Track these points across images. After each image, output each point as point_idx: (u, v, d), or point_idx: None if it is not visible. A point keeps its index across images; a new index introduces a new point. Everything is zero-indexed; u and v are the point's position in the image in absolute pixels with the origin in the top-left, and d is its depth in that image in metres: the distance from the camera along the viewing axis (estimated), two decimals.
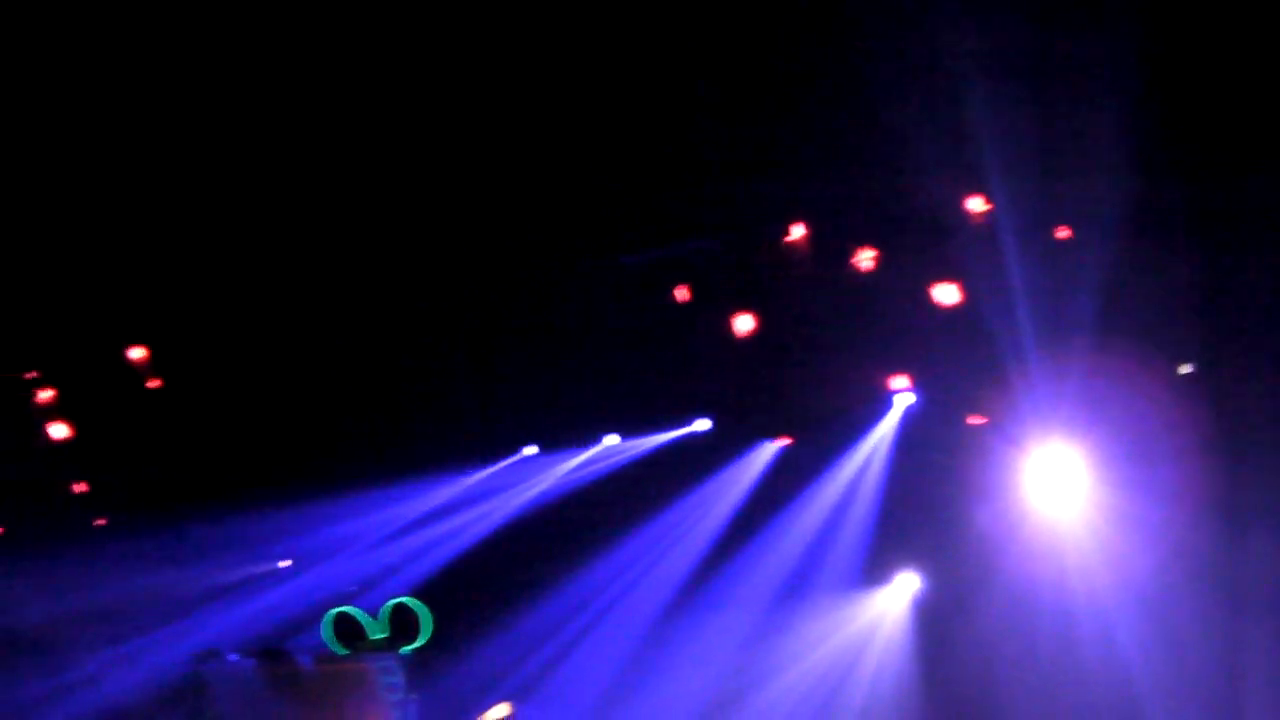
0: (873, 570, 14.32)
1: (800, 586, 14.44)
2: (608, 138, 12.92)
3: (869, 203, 12.99)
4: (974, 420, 13.56)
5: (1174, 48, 11.45)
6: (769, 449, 14.72)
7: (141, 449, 15.53)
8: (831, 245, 13.49)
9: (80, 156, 13.68)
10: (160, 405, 15.50)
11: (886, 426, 14.13)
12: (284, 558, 16.02)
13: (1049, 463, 13.37)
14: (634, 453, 15.05)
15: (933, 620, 14.09)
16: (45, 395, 15.88)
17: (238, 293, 14.58)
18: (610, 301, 14.17)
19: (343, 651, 14.83)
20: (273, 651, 14.71)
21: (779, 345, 13.88)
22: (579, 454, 15.27)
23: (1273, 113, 11.78)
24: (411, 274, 14.15)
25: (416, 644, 14.70)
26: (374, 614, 14.84)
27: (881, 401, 14.08)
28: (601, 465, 15.18)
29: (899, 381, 13.97)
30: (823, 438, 14.37)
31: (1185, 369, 12.93)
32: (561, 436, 15.18)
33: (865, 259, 13.45)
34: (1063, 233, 12.62)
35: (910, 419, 14.05)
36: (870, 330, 13.46)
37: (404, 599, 14.88)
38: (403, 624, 14.77)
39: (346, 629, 14.88)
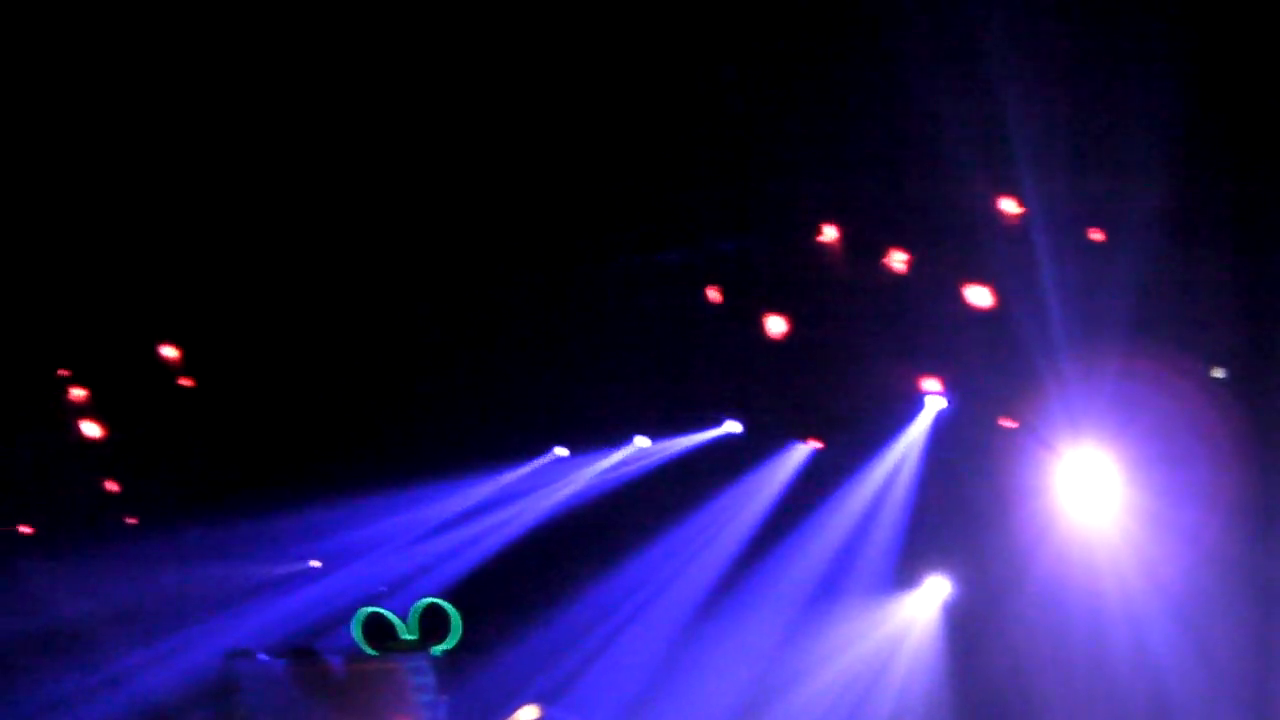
0: (903, 574, 14.29)
1: (830, 590, 14.42)
2: (641, 137, 12.92)
3: (902, 204, 12.95)
4: (1006, 423, 13.50)
5: (1210, 46, 11.38)
6: (800, 451, 14.71)
7: (174, 448, 15.59)
8: (864, 246, 13.45)
9: (116, 158, 13.75)
10: (193, 404, 15.56)
11: (918, 429, 14.11)
12: (315, 557, 16.07)
13: (1081, 466, 13.29)
14: (664, 455, 15.06)
15: (963, 624, 14.04)
16: (78, 394, 15.96)
17: (271, 291, 14.62)
18: (641, 302, 14.17)
19: (373, 652, 14.85)
20: (303, 651, 14.74)
21: (810, 347, 13.84)
22: (609, 455, 15.29)
23: None
24: (445, 273, 14.17)
25: (447, 645, 14.72)
26: (404, 614, 14.87)
27: (913, 404, 14.05)
28: (632, 467, 15.20)
29: (931, 384, 13.93)
30: (854, 440, 14.35)
31: (1219, 372, 12.85)
32: (592, 438, 15.20)
33: (898, 260, 13.41)
34: (1096, 234, 12.56)
35: (942, 422, 14.02)
36: (902, 332, 13.42)
37: (434, 599, 14.90)
38: (433, 624, 14.80)
39: (377, 629, 14.91)
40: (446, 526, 15.68)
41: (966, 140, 12.12)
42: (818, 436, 14.62)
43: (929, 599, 14.26)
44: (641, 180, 13.15)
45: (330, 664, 14.57)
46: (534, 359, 14.52)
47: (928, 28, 11.76)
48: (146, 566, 15.56)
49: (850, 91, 12.36)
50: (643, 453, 15.22)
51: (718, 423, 14.82)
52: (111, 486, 16.03)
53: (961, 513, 13.77)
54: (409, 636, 14.85)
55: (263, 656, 14.80)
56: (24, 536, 16.01)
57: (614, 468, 15.27)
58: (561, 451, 15.50)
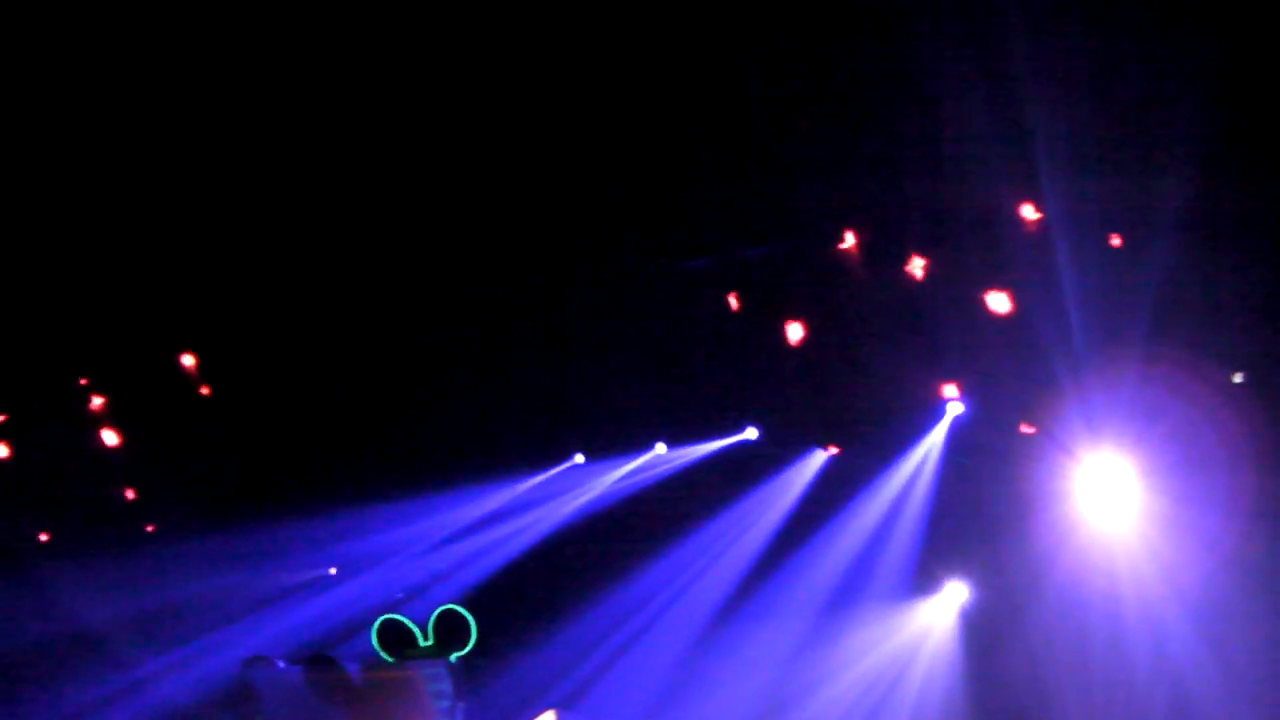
0: (921, 579, 14.29)
1: (848, 595, 14.41)
2: (663, 144, 12.94)
3: (921, 210, 12.97)
4: (1025, 428, 13.49)
5: (1231, 51, 11.39)
6: (818, 457, 14.71)
7: (192, 456, 15.61)
8: (883, 253, 13.46)
9: (136, 170, 13.80)
10: (211, 412, 15.58)
11: (937, 435, 14.10)
12: (332, 564, 16.08)
13: (1100, 471, 13.29)
14: (682, 461, 15.06)
15: (982, 630, 14.02)
16: (96, 402, 15.99)
17: (288, 301, 14.65)
18: (660, 309, 14.18)
19: (390, 659, 14.83)
20: (321, 658, 14.68)
21: (829, 353, 13.85)
22: (627, 462, 15.29)
23: None
24: (463, 280, 14.19)
25: (464, 652, 14.71)
26: (422, 621, 14.86)
27: (932, 410, 14.04)
28: (650, 474, 15.20)
29: (949, 389, 13.92)
30: (872, 446, 14.34)
31: (1238, 377, 12.84)
32: (610, 444, 15.20)
33: (917, 266, 13.42)
34: (1115, 240, 12.56)
35: (961, 427, 14.01)
36: (921, 338, 13.42)
37: (452, 606, 14.89)
38: (450, 632, 14.77)
39: (395, 636, 14.86)
40: (464, 533, 15.70)
41: (986, 146, 12.14)
42: (836, 442, 14.61)
43: (947, 604, 14.25)
44: (663, 188, 13.17)
45: (348, 671, 14.51)
46: (552, 366, 14.54)
47: (948, 35, 11.78)
48: (165, 574, 15.59)
49: (870, 98, 12.38)
50: (661, 459, 15.21)
51: (736, 429, 14.81)
52: (130, 494, 16.05)
53: (980, 518, 13.77)
54: (426, 644, 14.83)
55: (280, 663, 14.74)
56: (43, 544, 16.05)
57: (632, 474, 15.27)
58: (579, 458, 15.50)
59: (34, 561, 15.68)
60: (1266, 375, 12.74)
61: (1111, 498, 13.31)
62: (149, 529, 16.03)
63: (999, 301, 13.18)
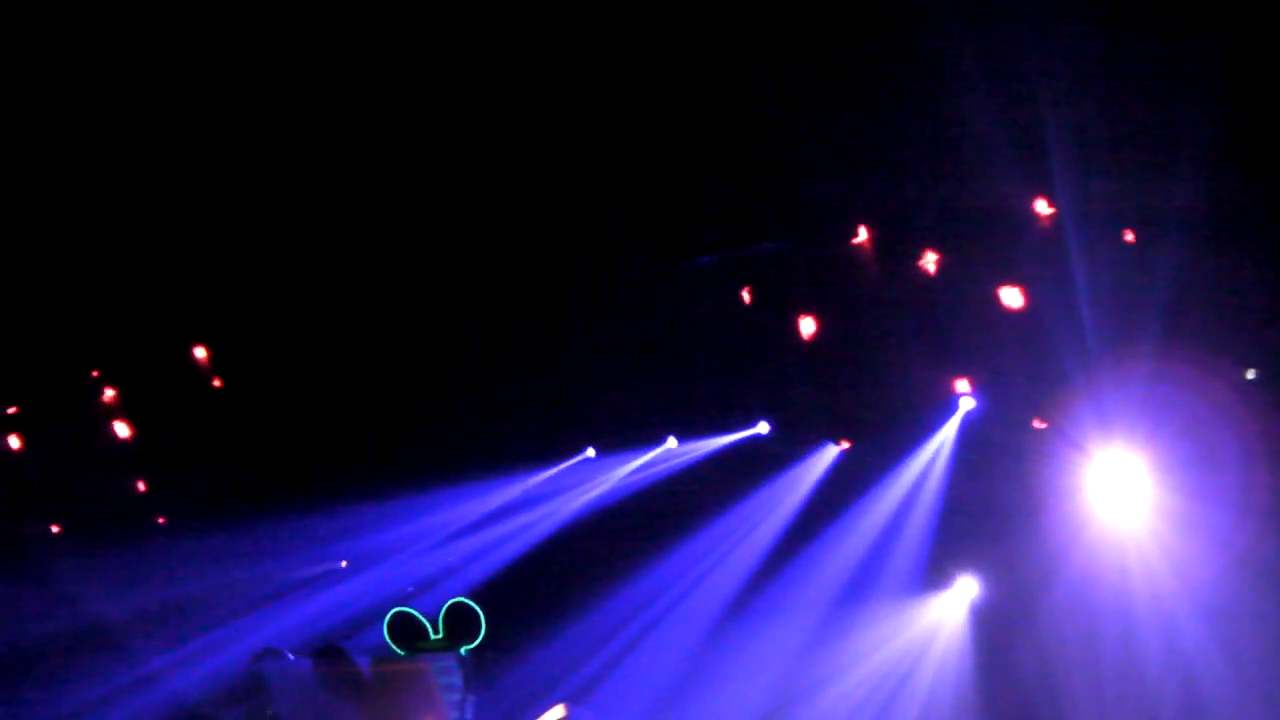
0: (932, 575, 14.24)
1: (859, 591, 14.38)
2: (672, 140, 12.94)
3: (933, 205, 12.94)
4: (1037, 424, 13.47)
5: (1242, 47, 11.35)
6: (830, 452, 14.69)
7: (203, 449, 15.65)
8: (895, 248, 13.43)
9: (150, 166, 13.83)
10: (222, 406, 15.60)
11: (948, 430, 14.07)
12: (344, 558, 16.11)
13: (1112, 468, 13.22)
14: (694, 455, 15.06)
15: (993, 626, 13.98)
16: (108, 395, 16.03)
17: (299, 294, 14.67)
18: (671, 304, 14.18)
19: (401, 652, 14.88)
20: (332, 651, 14.74)
21: (841, 348, 13.83)
22: (638, 457, 15.30)
23: None
24: (475, 275, 14.20)
25: (474, 645, 14.74)
26: (433, 615, 14.89)
27: (944, 405, 14.02)
28: (661, 468, 15.20)
29: (961, 385, 13.90)
30: (884, 441, 14.32)
31: (1251, 374, 12.80)
32: (622, 439, 15.20)
33: (929, 262, 13.40)
34: (1128, 236, 12.53)
35: (972, 423, 13.99)
36: (933, 334, 13.39)
37: (462, 599, 14.92)
38: (461, 625, 14.81)
39: (405, 629, 14.94)
40: (475, 527, 15.72)
41: (999, 142, 12.10)
42: (847, 437, 14.60)
43: (958, 601, 14.21)
44: (676, 183, 13.16)
45: (358, 664, 14.56)
46: (564, 360, 14.56)
47: (961, 31, 11.75)
48: (176, 567, 15.62)
49: (883, 94, 12.36)
50: (672, 454, 15.21)
51: (747, 424, 14.80)
52: (141, 487, 16.09)
53: (991, 514, 13.73)
54: (437, 637, 14.86)
55: (291, 656, 14.81)
56: (55, 537, 16.09)
57: (643, 469, 15.28)
58: (590, 453, 15.51)
59: (45, 555, 15.73)
60: (1279, 372, 12.71)
61: (1123, 494, 13.24)
62: (161, 522, 16.06)
63: (1011, 297, 13.14)
